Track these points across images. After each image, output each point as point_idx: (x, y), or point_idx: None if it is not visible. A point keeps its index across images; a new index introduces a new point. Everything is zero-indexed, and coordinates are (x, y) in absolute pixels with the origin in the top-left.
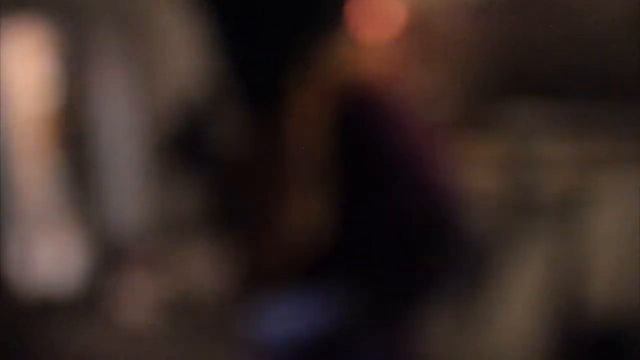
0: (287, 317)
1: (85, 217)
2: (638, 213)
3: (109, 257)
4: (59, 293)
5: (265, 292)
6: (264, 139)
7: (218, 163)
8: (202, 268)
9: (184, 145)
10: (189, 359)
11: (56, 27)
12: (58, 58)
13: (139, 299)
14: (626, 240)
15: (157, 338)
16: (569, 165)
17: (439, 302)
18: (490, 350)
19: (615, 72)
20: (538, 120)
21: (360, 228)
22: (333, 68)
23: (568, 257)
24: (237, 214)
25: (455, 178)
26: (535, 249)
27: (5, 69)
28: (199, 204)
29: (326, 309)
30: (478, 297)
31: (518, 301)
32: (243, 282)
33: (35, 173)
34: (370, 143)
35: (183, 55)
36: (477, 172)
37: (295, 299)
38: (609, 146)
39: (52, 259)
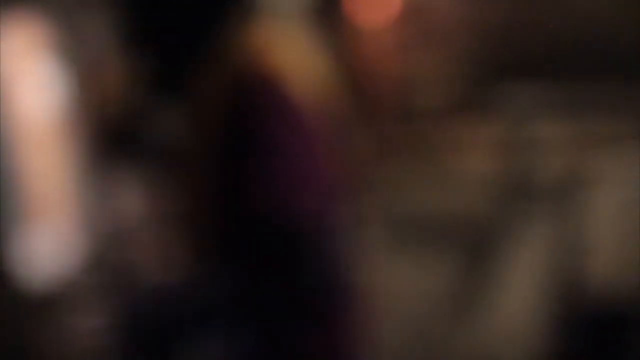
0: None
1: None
2: (636, 193)
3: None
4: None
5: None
6: (174, 125)
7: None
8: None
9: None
10: None
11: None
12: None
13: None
14: (625, 220)
15: None
16: (567, 146)
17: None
18: (491, 332)
19: (611, 51)
20: (535, 102)
21: (237, 219)
22: (236, 58)
23: (567, 238)
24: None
25: (338, 182)
26: (535, 230)
27: (4, 66)
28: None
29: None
30: (479, 278)
31: (518, 282)
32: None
33: (39, 168)
34: (254, 135)
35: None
36: (475, 155)
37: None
38: (606, 126)
39: (55, 252)
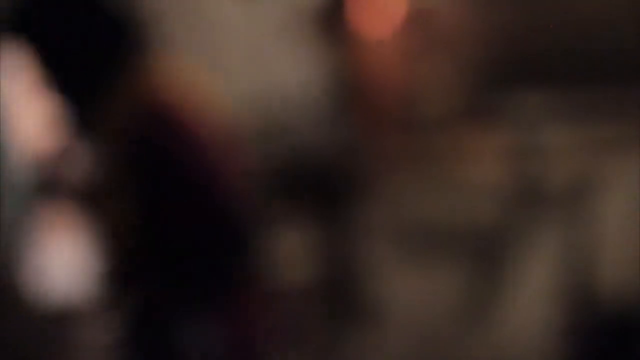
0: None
1: None
2: None
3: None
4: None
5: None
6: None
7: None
8: None
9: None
10: None
11: None
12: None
13: None
14: (635, 226)
15: None
16: (576, 152)
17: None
18: (503, 340)
19: (619, 57)
20: (544, 109)
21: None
22: (137, 88)
23: (579, 244)
24: None
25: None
26: (545, 237)
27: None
28: None
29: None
30: (489, 287)
31: (529, 290)
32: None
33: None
34: (162, 158)
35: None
36: (484, 163)
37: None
38: (616, 132)
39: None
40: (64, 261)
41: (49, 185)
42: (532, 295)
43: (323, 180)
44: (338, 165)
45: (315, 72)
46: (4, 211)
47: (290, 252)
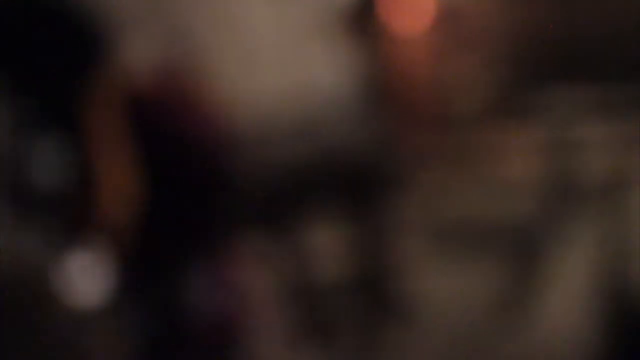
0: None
1: None
2: None
3: None
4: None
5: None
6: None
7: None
8: None
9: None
10: None
11: None
12: None
13: None
14: None
15: None
16: (610, 147)
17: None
18: (540, 337)
19: None
20: (579, 104)
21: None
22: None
23: (615, 239)
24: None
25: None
26: (581, 233)
27: None
28: None
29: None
30: (525, 283)
31: (565, 286)
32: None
33: None
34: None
35: None
36: (518, 159)
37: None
38: None
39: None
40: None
41: None
42: (568, 291)
43: (357, 177)
44: (372, 163)
45: (347, 70)
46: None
47: (324, 249)
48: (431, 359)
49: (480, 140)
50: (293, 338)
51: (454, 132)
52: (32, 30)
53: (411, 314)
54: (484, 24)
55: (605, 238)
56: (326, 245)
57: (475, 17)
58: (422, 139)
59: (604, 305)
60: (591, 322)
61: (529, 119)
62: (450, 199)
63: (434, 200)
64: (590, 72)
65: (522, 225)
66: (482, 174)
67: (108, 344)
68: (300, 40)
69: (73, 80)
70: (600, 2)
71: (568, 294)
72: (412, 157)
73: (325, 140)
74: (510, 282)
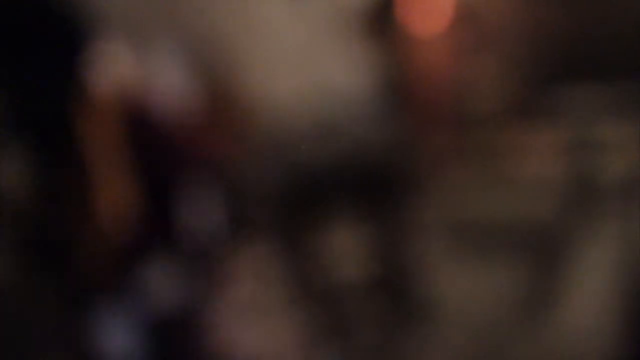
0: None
1: None
2: None
3: None
4: None
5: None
6: (65, 169)
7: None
8: None
9: None
10: None
11: None
12: None
13: None
14: None
15: None
16: (632, 147)
17: None
18: (561, 336)
19: None
20: (598, 103)
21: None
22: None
23: (636, 239)
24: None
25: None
26: (603, 233)
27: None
28: None
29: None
30: (546, 283)
31: (587, 286)
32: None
33: None
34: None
35: None
36: (538, 159)
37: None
38: None
39: None
40: None
41: None
42: (589, 292)
43: (375, 178)
44: (391, 164)
45: (366, 72)
46: None
47: (343, 249)
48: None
49: (499, 141)
50: (312, 339)
51: (473, 132)
52: (19, 30)
53: (431, 315)
54: (502, 24)
55: (627, 238)
56: (345, 246)
57: (493, 18)
58: (441, 139)
59: (625, 306)
60: (613, 323)
61: (547, 120)
62: (469, 199)
63: (453, 201)
64: (610, 72)
65: (542, 226)
66: (501, 175)
67: None
68: (318, 42)
69: (59, 84)
70: (621, 3)
71: (589, 294)
72: (431, 158)
73: (343, 141)
74: (530, 283)
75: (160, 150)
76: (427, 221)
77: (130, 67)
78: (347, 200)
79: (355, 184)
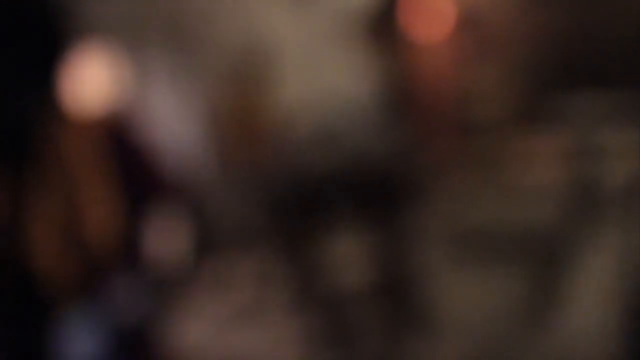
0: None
1: None
2: None
3: None
4: None
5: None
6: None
7: None
8: None
9: None
10: None
11: None
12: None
13: None
14: None
15: None
16: (633, 153)
17: None
18: (563, 342)
19: None
20: (600, 110)
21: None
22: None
23: (637, 245)
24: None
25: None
26: (604, 238)
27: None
28: None
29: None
30: (549, 289)
31: (589, 291)
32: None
33: None
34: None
35: None
36: (541, 165)
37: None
38: None
39: None
40: None
41: None
42: (592, 296)
43: (378, 184)
44: (394, 170)
45: (368, 77)
46: None
47: (345, 257)
48: None
49: (503, 146)
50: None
51: (476, 139)
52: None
53: (433, 321)
54: (504, 31)
55: (627, 244)
56: (346, 254)
57: (496, 25)
58: (442, 147)
59: (628, 310)
60: (614, 329)
61: (551, 126)
62: (472, 206)
63: (456, 208)
64: (613, 79)
65: (545, 232)
66: (504, 181)
67: None
68: (322, 49)
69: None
70: (623, 11)
71: (592, 298)
72: (434, 165)
73: (346, 147)
74: (532, 290)
75: (139, 167)
76: (430, 229)
77: (118, 82)
78: (349, 208)
79: (357, 192)
